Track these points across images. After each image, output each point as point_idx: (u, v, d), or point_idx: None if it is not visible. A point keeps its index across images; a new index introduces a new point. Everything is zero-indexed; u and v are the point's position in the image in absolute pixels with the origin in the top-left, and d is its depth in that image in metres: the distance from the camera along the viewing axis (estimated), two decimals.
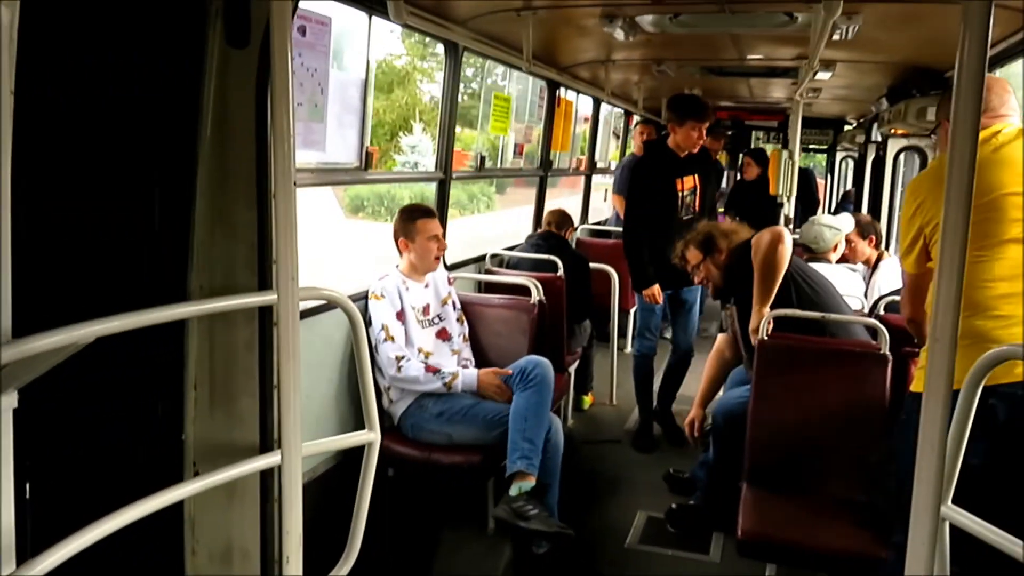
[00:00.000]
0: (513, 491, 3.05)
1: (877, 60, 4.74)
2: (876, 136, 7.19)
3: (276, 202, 1.57)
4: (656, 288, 4.31)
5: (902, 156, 6.06)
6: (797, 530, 2.60)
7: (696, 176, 4.43)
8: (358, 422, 2.04)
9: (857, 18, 3.45)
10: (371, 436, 1.95)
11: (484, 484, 3.35)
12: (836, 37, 3.74)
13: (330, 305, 2.90)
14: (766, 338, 3.00)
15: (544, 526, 3.00)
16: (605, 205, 8.47)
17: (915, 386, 2.16)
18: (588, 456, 4.30)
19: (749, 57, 5.08)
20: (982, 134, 1.95)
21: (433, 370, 3.24)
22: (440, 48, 4.08)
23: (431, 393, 3.25)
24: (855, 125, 9.26)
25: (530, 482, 3.05)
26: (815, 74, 4.97)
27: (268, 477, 2.17)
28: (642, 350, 4.63)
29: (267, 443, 2.19)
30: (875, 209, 6.68)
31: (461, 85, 4.27)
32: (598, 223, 7.50)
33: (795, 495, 2.80)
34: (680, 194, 4.37)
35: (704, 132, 4.30)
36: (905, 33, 3.96)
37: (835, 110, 8.67)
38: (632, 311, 5.60)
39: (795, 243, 3.75)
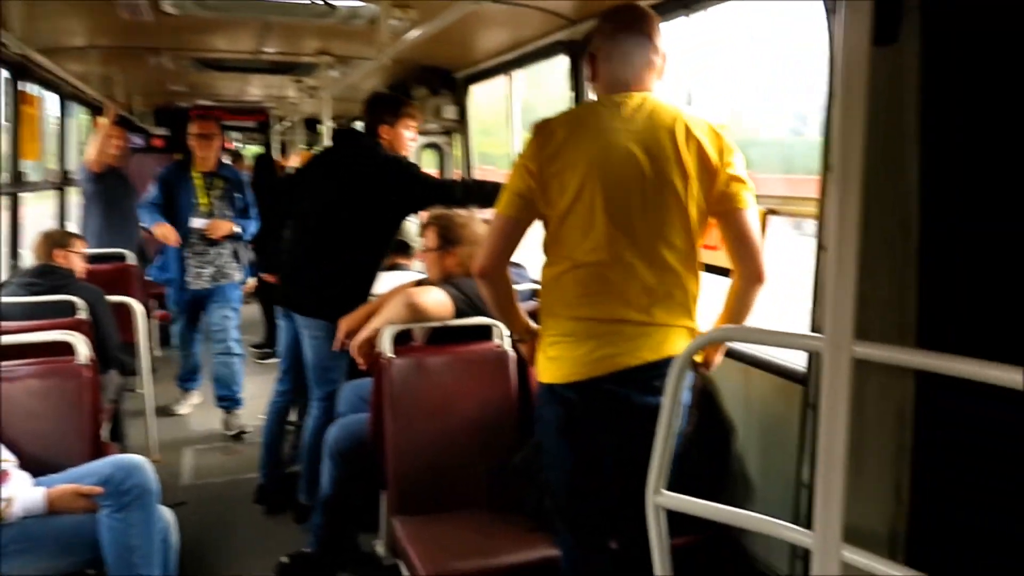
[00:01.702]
0: None
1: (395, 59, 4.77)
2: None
3: None
4: None
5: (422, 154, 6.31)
6: (478, 554, 2.44)
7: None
8: None
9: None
10: None
11: None
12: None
13: None
14: (384, 353, 2.74)
15: None
16: None
17: (542, 376, 2.11)
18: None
19: (266, 50, 4.67)
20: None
21: None
22: None
23: None
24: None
25: None
26: (332, 69, 4.82)
27: None
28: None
29: None
30: None
31: None
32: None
33: (457, 517, 2.64)
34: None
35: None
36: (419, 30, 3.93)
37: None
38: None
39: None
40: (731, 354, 2.63)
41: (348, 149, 3.50)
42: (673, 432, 1.61)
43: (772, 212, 2.48)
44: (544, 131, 2.05)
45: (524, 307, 2.31)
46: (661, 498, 1.61)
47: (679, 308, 2.03)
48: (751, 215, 2.03)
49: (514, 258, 2.17)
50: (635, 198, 1.97)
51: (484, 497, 2.71)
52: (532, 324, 2.24)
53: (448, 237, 3.05)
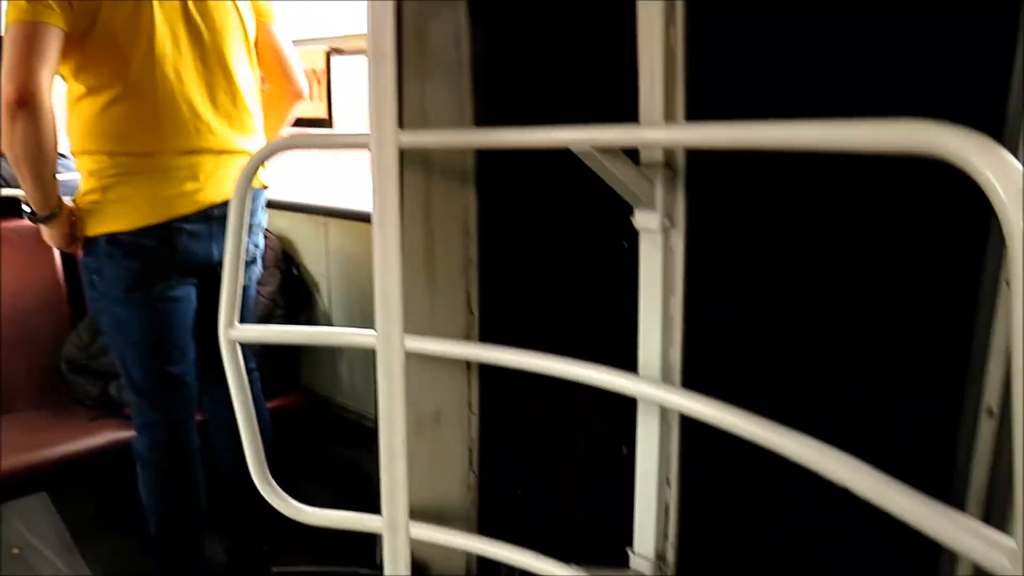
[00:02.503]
0: None
1: None
2: None
3: None
4: None
5: None
6: (30, 449, 2.07)
7: None
8: None
9: None
10: None
11: None
12: None
13: None
14: None
15: None
16: None
17: (99, 227, 1.79)
18: None
19: None
20: None
21: None
22: None
23: None
24: None
25: None
26: None
27: None
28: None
29: None
30: None
31: None
32: None
33: (7, 421, 2.20)
34: None
35: None
36: None
37: None
38: None
39: None
40: (308, 210, 2.54)
41: None
42: (242, 258, 1.45)
43: (335, 51, 2.39)
44: None
45: None
46: (234, 332, 1.46)
47: (256, 137, 1.90)
48: (278, 30, 1.97)
49: None
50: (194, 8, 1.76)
51: (37, 397, 2.30)
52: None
53: None
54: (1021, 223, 0.60)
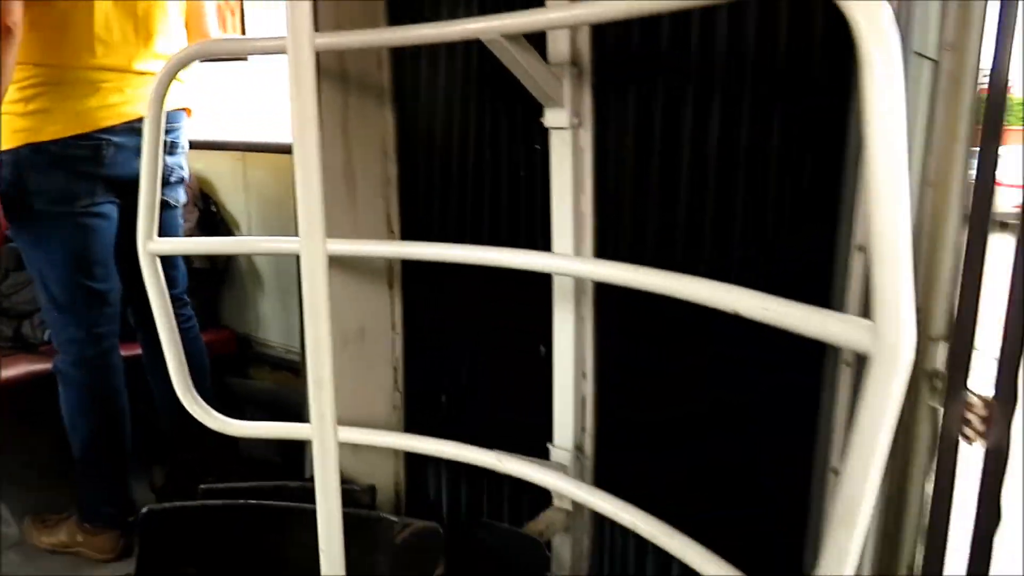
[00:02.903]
0: None
1: None
2: None
3: None
4: None
5: None
6: None
7: None
8: None
9: None
10: None
11: None
12: None
13: None
14: None
15: None
16: None
17: (24, 138, 1.76)
18: None
19: None
20: None
21: None
22: None
23: None
24: None
25: None
26: None
27: None
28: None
29: None
30: None
31: None
32: None
33: None
34: None
35: None
36: None
37: None
38: None
39: None
40: (224, 146, 2.51)
41: None
42: (158, 170, 1.44)
43: None
44: None
45: None
46: (153, 244, 1.46)
47: None
48: None
49: None
50: None
51: None
52: None
53: None
54: (877, 59, 0.67)
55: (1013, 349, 0.85)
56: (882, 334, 0.71)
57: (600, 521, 1.58)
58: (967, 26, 0.99)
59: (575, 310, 1.47)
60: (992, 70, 0.96)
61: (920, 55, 0.99)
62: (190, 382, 1.55)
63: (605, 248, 1.43)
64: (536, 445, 1.59)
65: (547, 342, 1.55)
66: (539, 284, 1.52)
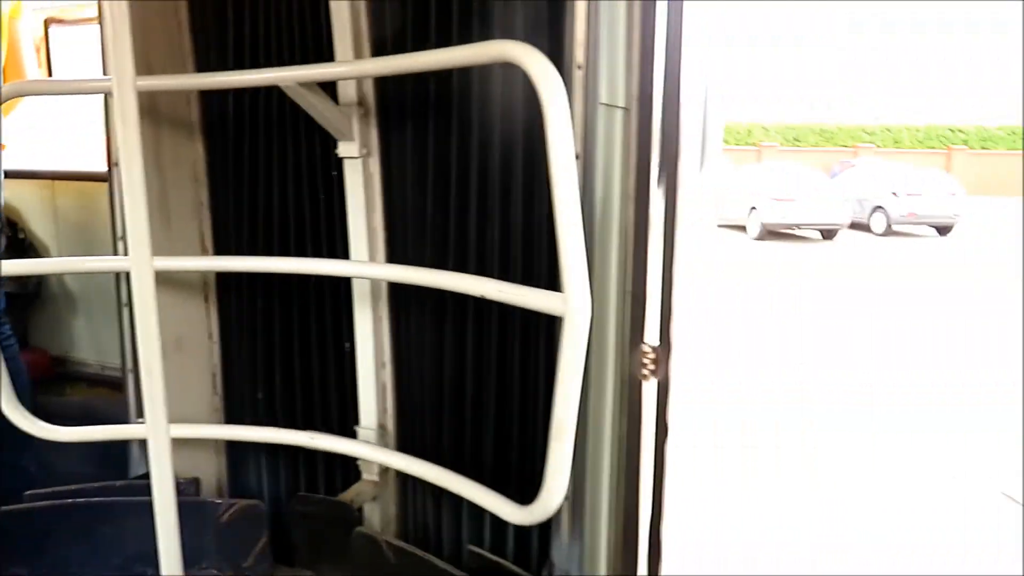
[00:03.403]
0: None
1: None
2: None
3: None
4: None
5: None
6: None
7: None
8: None
9: None
10: None
11: None
12: None
13: None
14: None
15: None
16: None
17: None
18: None
19: None
20: None
21: None
22: None
23: None
24: None
25: None
26: None
27: None
28: None
29: None
30: None
31: None
32: None
33: None
34: None
35: None
36: None
37: None
38: None
39: None
40: (32, 175, 2.56)
41: None
42: None
43: (55, 21, 2.44)
44: None
45: None
46: None
47: None
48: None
49: None
50: None
51: None
52: None
53: None
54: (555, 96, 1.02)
55: (666, 311, 1.24)
56: (569, 301, 1.06)
57: (404, 490, 1.85)
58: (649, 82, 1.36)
59: (373, 309, 1.75)
60: (664, 111, 1.33)
61: (609, 105, 1.36)
62: (13, 394, 1.66)
63: (394, 255, 1.71)
64: (346, 430, 1.84)
65: (351, 338, 1.80)
66: (342, 289, 1.78)
